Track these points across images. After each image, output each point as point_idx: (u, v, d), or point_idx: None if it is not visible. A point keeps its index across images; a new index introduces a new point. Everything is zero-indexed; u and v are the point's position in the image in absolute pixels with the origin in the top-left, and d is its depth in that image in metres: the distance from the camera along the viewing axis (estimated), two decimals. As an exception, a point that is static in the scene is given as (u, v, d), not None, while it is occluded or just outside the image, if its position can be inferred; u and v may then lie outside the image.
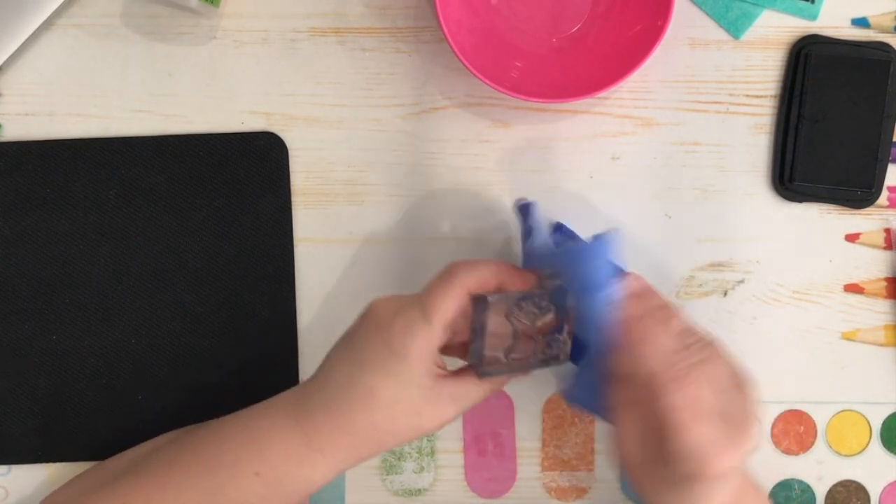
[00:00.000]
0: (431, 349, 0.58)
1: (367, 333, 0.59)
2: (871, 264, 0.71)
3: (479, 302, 0.58)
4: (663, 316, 0.57)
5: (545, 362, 0.60)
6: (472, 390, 0.60)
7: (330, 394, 0.60)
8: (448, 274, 0.59)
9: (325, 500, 0.70)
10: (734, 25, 0.69)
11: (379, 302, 0.60)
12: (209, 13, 0.68)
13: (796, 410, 0.71)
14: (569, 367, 0.62)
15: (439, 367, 0.59)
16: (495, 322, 0.58)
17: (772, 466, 0.71)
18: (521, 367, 0.60)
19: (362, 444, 0.59)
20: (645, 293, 0.59)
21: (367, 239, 0.70)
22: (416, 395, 0.58)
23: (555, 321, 0.59)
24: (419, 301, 0.58)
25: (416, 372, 0.58)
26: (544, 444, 0.71)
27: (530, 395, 0.71)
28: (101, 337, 0.69)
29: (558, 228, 0.67)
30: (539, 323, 0.59)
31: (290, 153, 0.70)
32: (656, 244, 0.70)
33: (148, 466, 0.62)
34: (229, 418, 0.63)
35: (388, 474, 0.71)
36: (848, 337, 0.71)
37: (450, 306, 0.58)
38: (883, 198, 0.70)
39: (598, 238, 0.58)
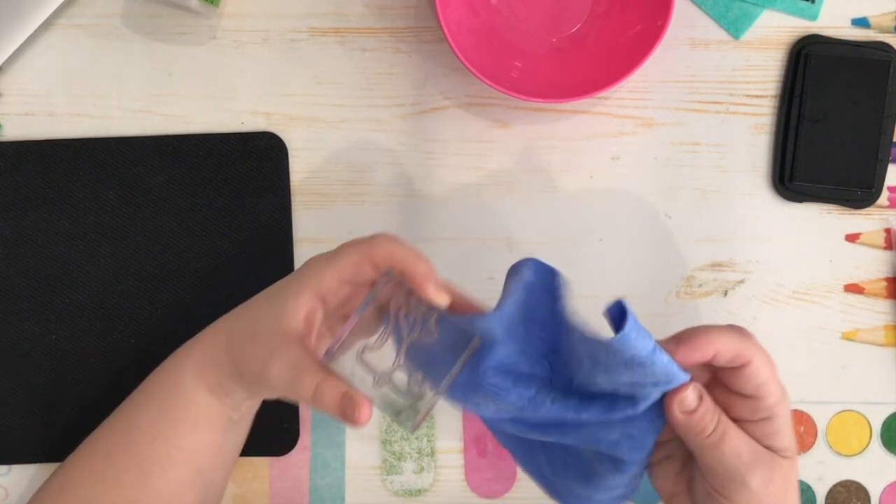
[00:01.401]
0: (313, 292, 0.55)
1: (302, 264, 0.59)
2: (871, 264, 0.71)
3: (378, 282, 0.54)
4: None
5: (412, 390, 0.53)
6: (285, 374, 0.55)
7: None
8: (371, 236, 0.57)
9: (325, 500, 0.70)
10: (734, 25, 0.69)
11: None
12: (209, 13, 0.68)
13: (796, 410, 0.71)
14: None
15: (308, 330, 0.56)
16: (382, 307, 0.54)
17: (772, 466, 0.71)
18: (368, 381, 0.54)
19: (223, 347, 0.59)
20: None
21: (367, 239, 0.70)
22: (280, 321, 0.55)
23: (438, 358, 0.53)
24: (327, 254, 0.57)
25: (290, 305, 0.55)
26: (544, 445, 0.71)
27: (530, 396, 0.71)
28: (101, 337, 0.69)
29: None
30: (425, 339, 0.54)
31: (290, 153, 0.70)
32: (656, 244, 0.70)
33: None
34: None
35: (388, 474, 0.71)
36: (848, 337, 0.71)
37: (353, 259, 0.56)
38: (883, 198, 0.70)
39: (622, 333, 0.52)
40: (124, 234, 0.69)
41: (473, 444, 0.71)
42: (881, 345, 0.71)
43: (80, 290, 0.69)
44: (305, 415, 0.70)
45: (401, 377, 0.54)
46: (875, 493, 0.72)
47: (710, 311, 0.70)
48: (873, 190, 0.69)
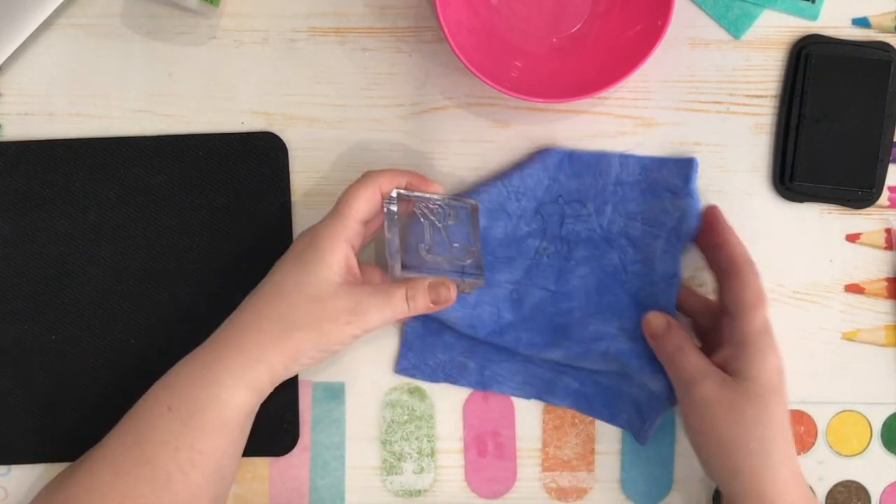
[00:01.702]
0: (343, 241, 0.61)
1: (294, 242, 0.64)
2: (871, 264, 0.71)
3: (390, 200, 0.63)
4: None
5: (461, 270, 0.63)
6: (376, 305, 0.61)
7: (244, 303, 0.63)
8: (362, 176, 0.63)
9: (325, 500, 0.70)
10: (734, 25, 0.69)
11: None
12: (209, 13, 0.68)
13: (797, 411, 0.71)
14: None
15: (353, 275, 0.62)
16: (408, 216, 0.63)
17: (772, 467, 0.71)
18: (437, 266, 0.63)
19: (271, 341, 0.60)
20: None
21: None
22: (322, 284, 0.61)
23: (464, 232, 0.64)
24: (335, 203, 0.63)
25: (327, 261, 0.61)
26: (544, 445, 0.71)
27: (530, 396, 0.71)
28: (101, 337, 0.69)
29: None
30: (449, 222, 0.64)
31: (290, 153, 0.70)
32: (656, 244, 0.70)
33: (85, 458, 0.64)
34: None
35: (388, 475, 0.71)
36: (848, 337, 0.71)
37: (360, 199, 0.62)
38: (883, 198, 0.70)
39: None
40: (124, 234, 0.69)
41: (473, 444, 0.71)
42: (882, 345, 0.71)
43: (80, 290, 0.69)
44: (305, 415, 0.70)
45: (455, 252, 0.64)
46: (875, 493, 0.72)
47: (711, 311, 0.70)
48: (873, 190, 0.69)
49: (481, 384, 0.70)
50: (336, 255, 0.61)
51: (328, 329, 0.60)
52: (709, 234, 0.66)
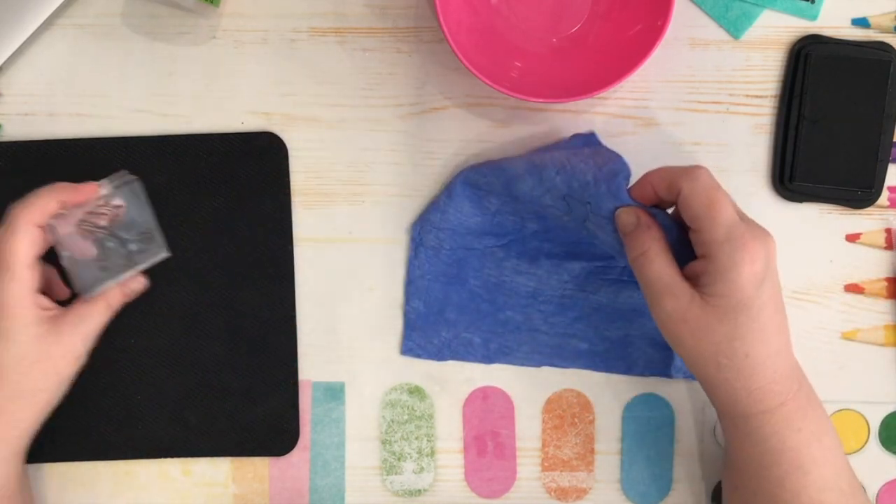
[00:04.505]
0: (25, 294, 0.60)
1: None
2: (871, 264, 0.71)
3: (50, 230, 0.62)
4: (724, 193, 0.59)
5: (141, 254, 0.65)
6: (88, 313, 0.63)
7: None
8: (8, 218, 0.61)
9: (325, 500, 0.70)
10: (734, 25, 0.69)
11: None
12: (209, 13, 0.68)
13: (796, 410, 0.71)
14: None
15: (46, 308, 0.62)
16: (71, 238, 0.63)
17: (771, 466, 0.71)
18: (118, 268, 0.65)
19: (15, 415, 0.61)
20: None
21: (367, 239, 0.70)
22: (35, 344, 0.61)
23: (135, 208, 0.65)
24: None
25: (22, 322, 0.60)
26: (544, 445, 0.71)
27: (530, 395, 0.71)
28: (101, 337, 0.69)
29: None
30: (117, 220, 0.64)
31: (290, 153, 0.70)
32: (656, 244, 0.70)
33: None
34: None
35: (388, 475, 0.71)
36: (848, 337, 0.71)
37: (21, 246, 0.60)
38: (883, 198, 0.70)
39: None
40: (124, 234, 0.69)
41: (473, 444, 0.71)
42: (880, 344, 0.71)
43: (80, 290, 0.69)
44: (305, 415, 0.70)
45: (130, 248, 0.66)
46: (873, 491, 0.72)
47: (710, 311, 0.71)
48: (873, 190, 0.69)
49: (488, 358, 0.70)
50: (28, 313, 0.61)
51: (65, 369, 0.63)
52: (640, 187, 0.62)
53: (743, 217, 0.59)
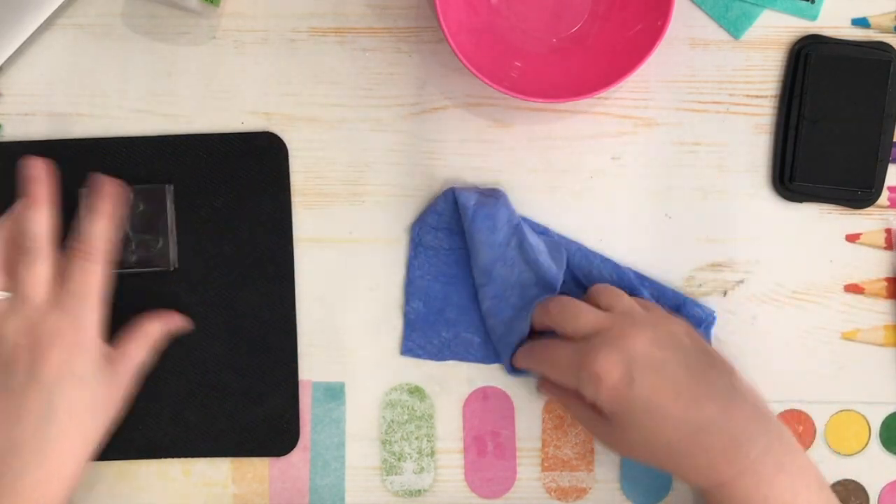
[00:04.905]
0: (97, 331, 0.64)
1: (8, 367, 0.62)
2: (871, 264, 0.71)
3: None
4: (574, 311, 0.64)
5: (144, 259, 0.68)
6: (136, 352, 0.66)
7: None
8: (34, 256, 0.64)
9: (325, 500, 0.70)
10: (734, 25, 0.69)
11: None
12: (209, 13, 0.68)
13: (795, 410, 0.71)
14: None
15: (111, 355, 0.65)
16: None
17: (772, 466, 0.71)
18: (116, 263, 0.67)
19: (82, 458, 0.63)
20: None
21: (367, 239, 0.70)
22: (99, 379, 0.64)
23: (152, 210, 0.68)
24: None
25: (94, 366, 0.63)
26: (544, 445, 0.71)
27: (530, 395, 0.71)
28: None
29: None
30: (133, 218, 0.68)
31: (290, 153, 0.70)
32: (656, 244, 0.70)
33: None
34: None
35: (388, 475, 0.71)
36: (848, 337, 0.71)
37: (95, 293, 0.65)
38: (883, 198, 0.70)
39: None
40: (124, 234, 0.69)
41: (473, 444, 0.71)
42: (881, 345, 0.71)
43: (80, 290, 0.69)
44: (305, 415, 0.70)
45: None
46: (874, 492, 0.72)
47: (710, 311, 0.71)
48: (873, 190, 0.69)
49: (488, 358, 0.70)
50: (93, 365, 0.64)
51: (115, 403, 0.66)
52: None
53: (614, 306, 0.65)
